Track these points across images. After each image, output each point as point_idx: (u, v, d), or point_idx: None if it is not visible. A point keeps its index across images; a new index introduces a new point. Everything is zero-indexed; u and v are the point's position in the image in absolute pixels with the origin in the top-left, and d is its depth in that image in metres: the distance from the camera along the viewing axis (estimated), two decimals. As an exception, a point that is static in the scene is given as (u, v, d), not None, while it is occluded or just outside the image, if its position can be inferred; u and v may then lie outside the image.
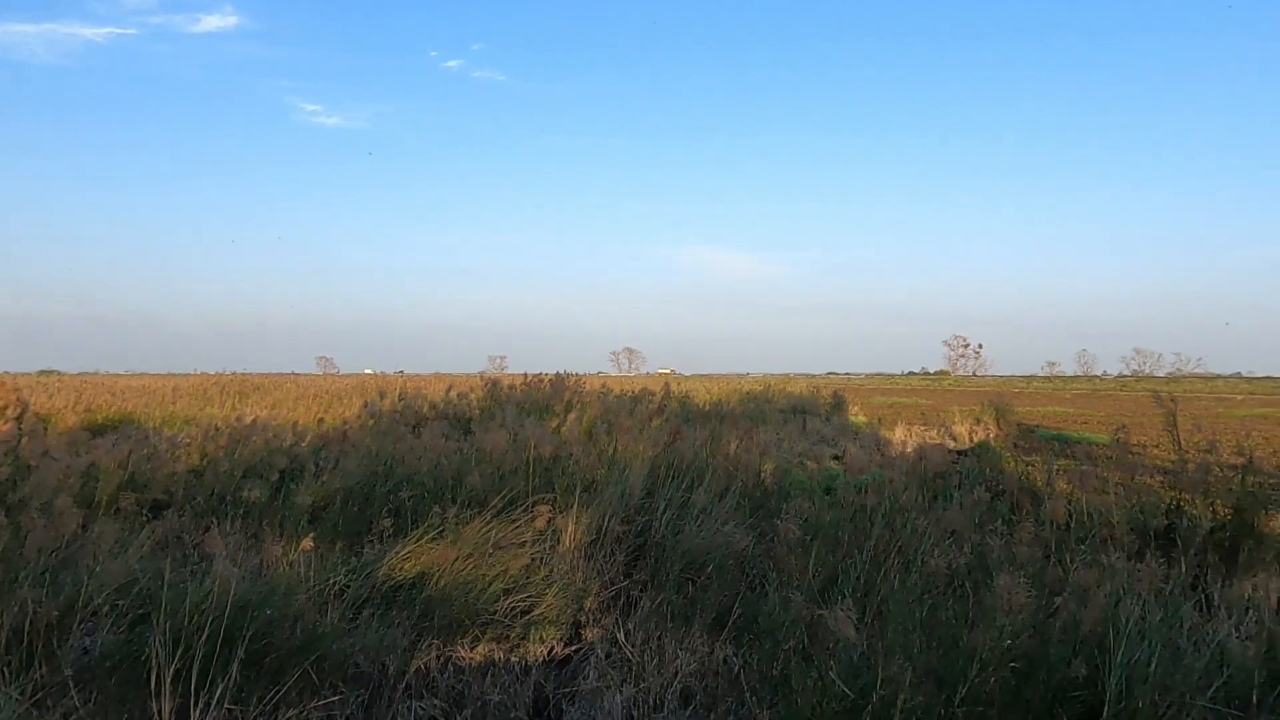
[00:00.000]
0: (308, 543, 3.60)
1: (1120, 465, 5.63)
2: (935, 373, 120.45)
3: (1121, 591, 3.05)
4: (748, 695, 3.13)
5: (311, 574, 3.63)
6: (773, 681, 3.28)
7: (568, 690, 3.71)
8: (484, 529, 4.61)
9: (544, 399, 13.24)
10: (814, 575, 3.95)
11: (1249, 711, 2.58)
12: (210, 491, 6.29)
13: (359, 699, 3.20)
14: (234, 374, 34.00)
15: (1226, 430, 16.10)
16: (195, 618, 2.69)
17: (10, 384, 12.64)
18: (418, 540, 4.42)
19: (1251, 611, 3.67)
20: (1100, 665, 2.71)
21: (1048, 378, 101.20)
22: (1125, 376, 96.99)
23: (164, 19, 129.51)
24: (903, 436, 14.79)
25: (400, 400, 10.02)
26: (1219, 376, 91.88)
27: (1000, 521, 4.78)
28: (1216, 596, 3.91)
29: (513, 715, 3.50)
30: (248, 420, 8.84)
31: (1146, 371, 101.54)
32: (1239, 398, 38.65)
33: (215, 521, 5.49)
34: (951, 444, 14.28)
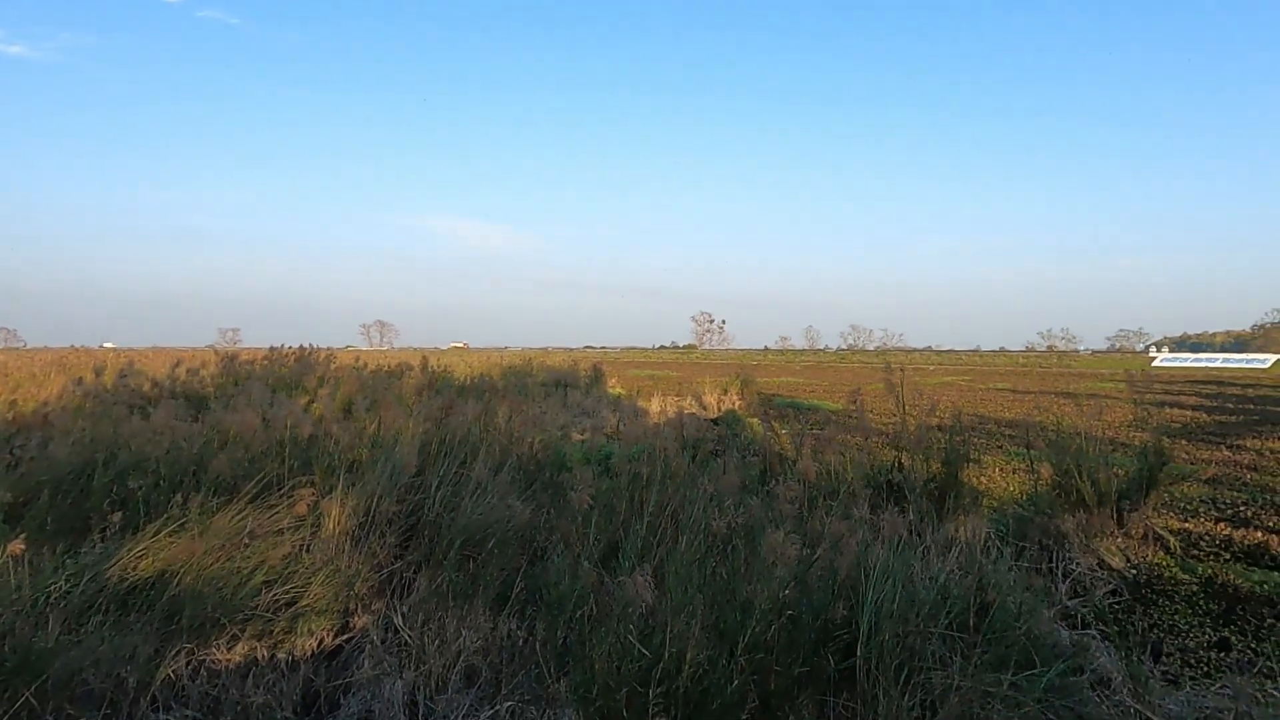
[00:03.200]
0: (17, 545, 3.02)
1: (854, 429, 6.34)
2: (684, 346, 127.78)
3: (868, 540, 3.44)
4: (541, 666, 3.14)
5: (23, 582, 3.06)
6: (560, 650, 3.32)
7: (341, 682, 3.49)
8: (236, 518, 4.17)
9: (291, 375, 12.27)
10: (595, 544, 4.03)
11: (968, 634, 3.04)
12: None
13: (92, 720, 2.78)
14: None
15: (925, 396, 18.72)
16: None
17: None
18: (155, 534, 3.89)
19: (955, 549, 4.31)
20: (854, 606, 3.04)
21: (780, 351, 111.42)
22: (844, 350, 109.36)
23: None
24: (659, 407, 15.51)
25: (122, 378, 8.75)
26: (915, 349, 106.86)
27: (759, 483, 5.18)
28: (929, 538, 4.54)
29: (279, 715, 3.23)
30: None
31: (860, 345, 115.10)
32: (931, 368, 45.27)
33: None
34: (703, 413, 15.25)
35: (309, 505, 4.47)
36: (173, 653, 3.16)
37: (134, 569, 3.65)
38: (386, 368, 15.91)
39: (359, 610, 4.07)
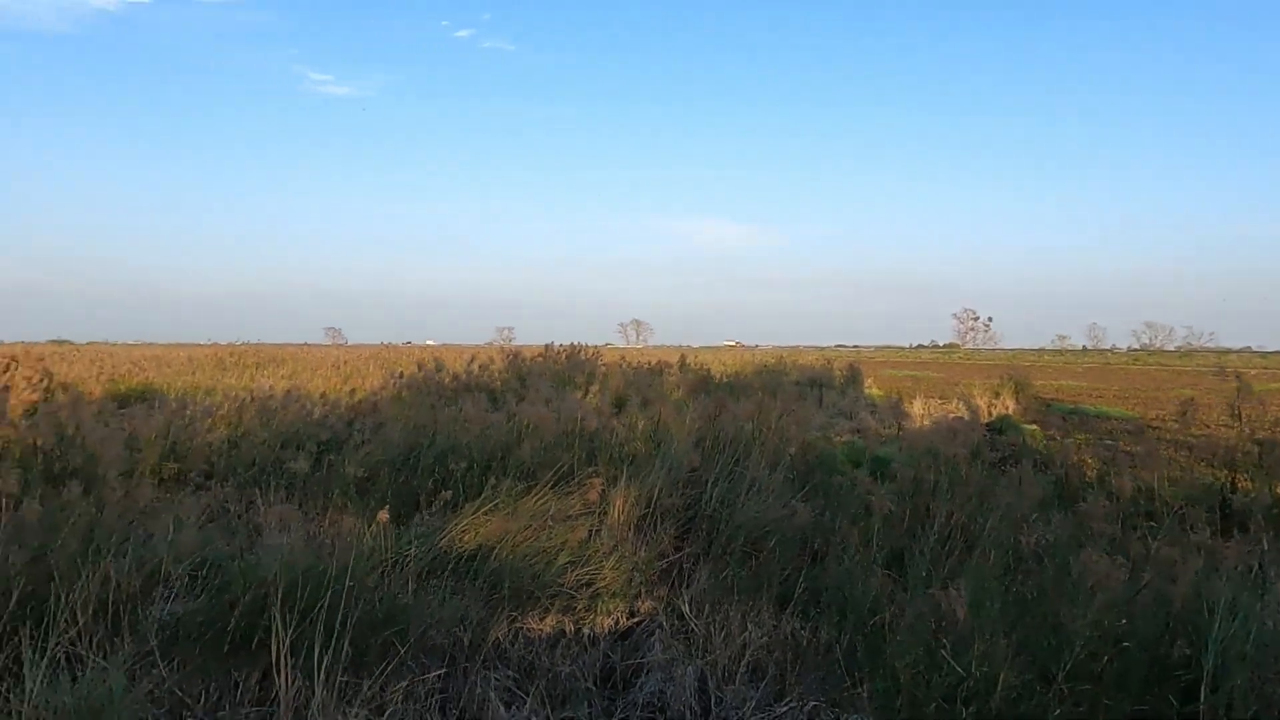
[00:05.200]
0: (383, 514, 3.59)
1: (1165, 441, 5.59)
2: (945, 346, 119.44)
3: (1208, 568, 3.03)
4: (835, 669, 3.13)
5: (388, 546, 3.62)
6: (846, 654, 3.27)
7: (633, 662, 3.71)
8: (538, 501, 4.61)
9: (564, 371, 13.23)
10: (878, 550, 3.94)
11: (1350, 690, 2.57)
12: (251, 462, 6.28)
13: (437, 671, 3.21)
14: (246, 344, 34.09)
15: (1262, 405, 16.01)
16: (307, 590, 2.69)
17: (35, 354, 12.67)
18: (474, 512, 4.42)
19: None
20: (1194, 643, 2.69)
21: (1058, 351, 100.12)
22: (1136, 350, 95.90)
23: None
24: (921, 410, 14.72)
25: (431, 371, 10.01)
26: (1230, 351, 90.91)
27: (1056, 498, 4.75)
28: (1273, 573, 3.88)
29: (582, 685, 3.50)
30: (277, 391, 8.85)
31: (1157, 345, 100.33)
32: (1253, 372, 38.49)
33: (259, 492, 5.51)
34: (969, 418, 14.20)
35: (599, 493, 4.82)
36: (498, 619, 3.56)
37: (460, 541, 4.17)
38: (647, 365, 16.67)
39: (644, 596, 4.31)
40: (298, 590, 2.72)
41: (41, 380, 10.64)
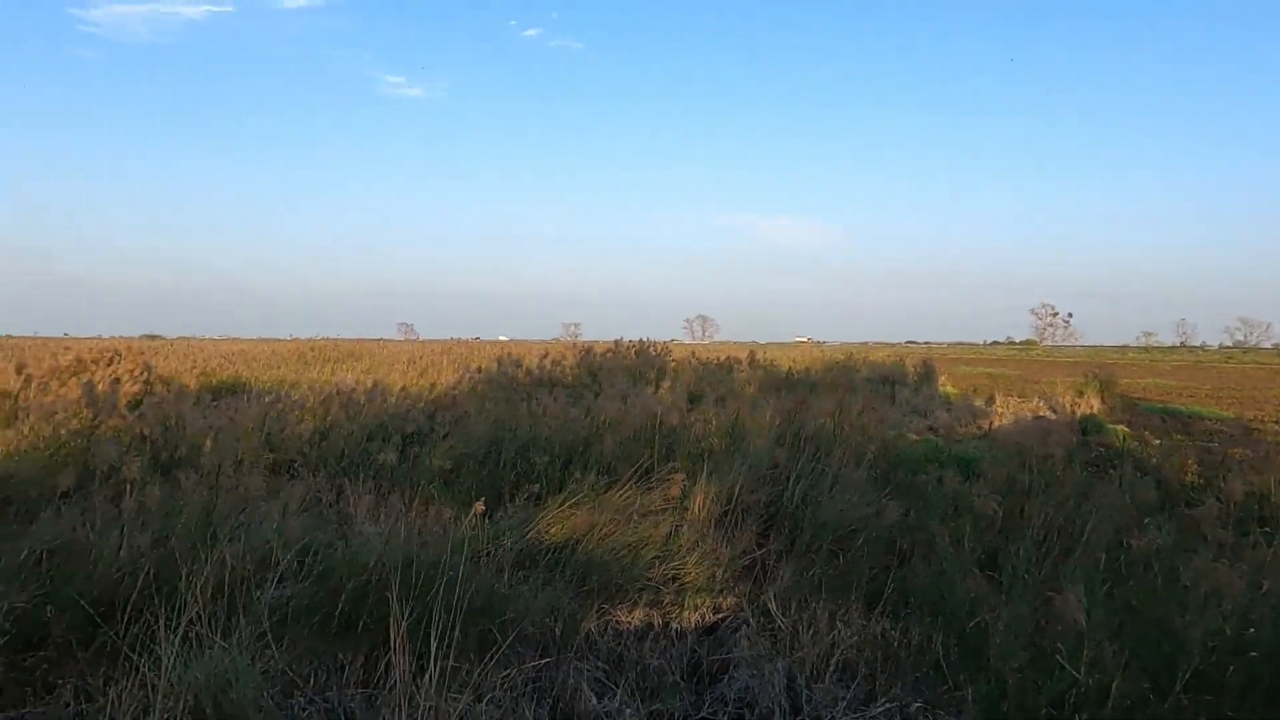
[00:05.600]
0: (479, 506, 3.69)
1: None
2: (1022, 343, 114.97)
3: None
4: (932, 671, 3.08)
5: (484, 537, 3.72)
6: (944, 656, 3.21)
7: (718, 657, 3.72)
8: (623, 496, 4.66)
9: (634, 366, 13.29)
10: (970, 551, 3.85)
11: None
12: (340, 453, 6.48)
13: (539, 661, 3.28)
14: (325, 339, 35.29)
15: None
16: (419, 577, 2.79)
17: (134, 348, 13.36)
18: (559, 506, 4.49)
19: None
20: (1321, 655, 2.56)
21: (1144, 348, 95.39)
22: (1229, 348, 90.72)
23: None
24: (1000, 408, 14.28)
25: (508, 366, 10.19)
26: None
27: (1161, 502, 4.57)
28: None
29: (670, 679, 3.53)
30: (360, 385, 9.12)
31: (1253, 342, 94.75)
32: (1362, 371, 36.10)
33: (348, 482, 5.68)
34: (1052, 417, 13.71)
35: (680, 489, 4.84)
36: (587, 611, 3.62)
37: (547, 533, 4.24)
38: (717, 361, 16.63)
39: (727, 592, 4.31)
40: (412, 577, 2.82)
41: (142, 373, 11.21)
